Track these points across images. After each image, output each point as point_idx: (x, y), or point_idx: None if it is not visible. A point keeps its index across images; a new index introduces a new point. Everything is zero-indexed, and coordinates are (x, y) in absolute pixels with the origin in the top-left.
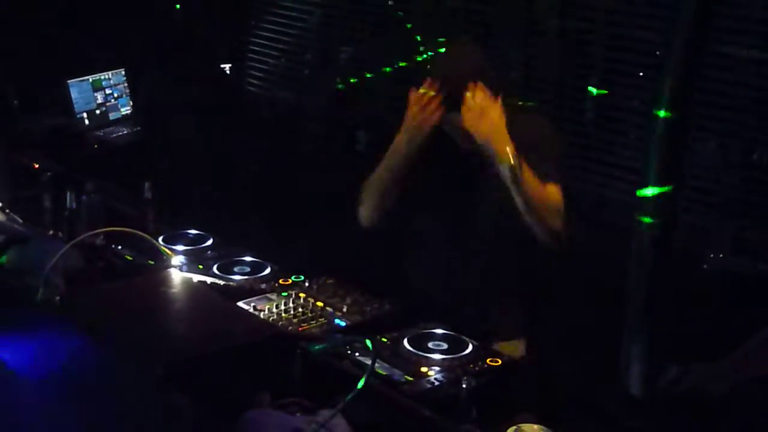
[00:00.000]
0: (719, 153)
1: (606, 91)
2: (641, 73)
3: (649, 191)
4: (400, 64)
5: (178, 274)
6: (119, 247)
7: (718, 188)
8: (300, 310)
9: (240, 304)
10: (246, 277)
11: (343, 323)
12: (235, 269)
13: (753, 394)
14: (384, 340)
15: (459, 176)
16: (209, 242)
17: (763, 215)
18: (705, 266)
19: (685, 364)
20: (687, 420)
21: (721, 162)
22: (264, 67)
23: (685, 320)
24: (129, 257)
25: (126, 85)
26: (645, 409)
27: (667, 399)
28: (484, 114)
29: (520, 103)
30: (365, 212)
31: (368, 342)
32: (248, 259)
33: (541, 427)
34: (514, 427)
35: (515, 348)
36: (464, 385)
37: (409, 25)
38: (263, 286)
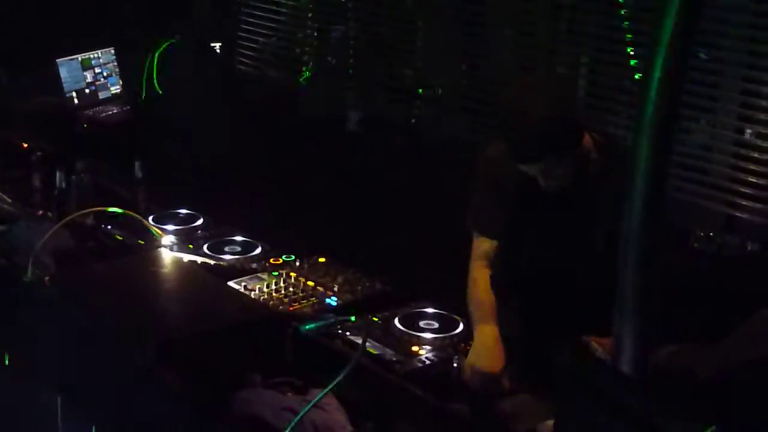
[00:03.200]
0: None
1: None
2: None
3: None
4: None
5: (169, 254)
6: (109, 227)
7: (709, 166)
8: (291, 289)
9: (231, 283)
10: (237, 256)
11: (334, 303)
12: (226, 249)
13: (744, 378)
14: (375, 319)
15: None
16: (200, 222)
17: (754, 194)
18: (695, 245)
19: (677, 345)
20: (677, 401)
21: (712, 139)
22: (255, 46)
23: (675, 300)
24: (119, 237)
25: (116, 64)
26: (637, 387)
27: (657, 379)
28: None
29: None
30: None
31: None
32: (239, 238)
33: (529, 396)
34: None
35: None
36: (455, 364)
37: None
38: (254, 265)
